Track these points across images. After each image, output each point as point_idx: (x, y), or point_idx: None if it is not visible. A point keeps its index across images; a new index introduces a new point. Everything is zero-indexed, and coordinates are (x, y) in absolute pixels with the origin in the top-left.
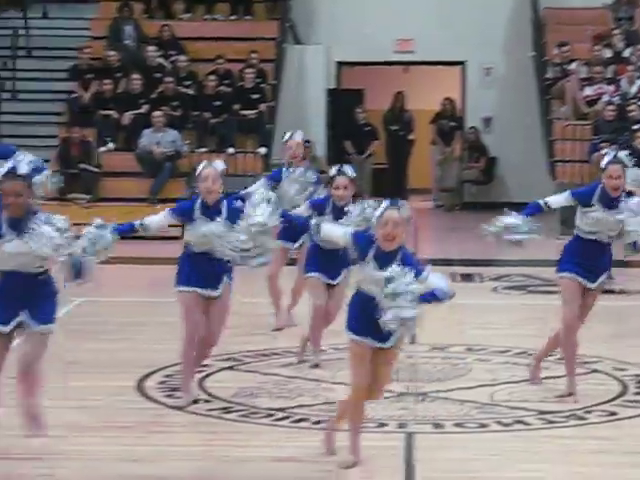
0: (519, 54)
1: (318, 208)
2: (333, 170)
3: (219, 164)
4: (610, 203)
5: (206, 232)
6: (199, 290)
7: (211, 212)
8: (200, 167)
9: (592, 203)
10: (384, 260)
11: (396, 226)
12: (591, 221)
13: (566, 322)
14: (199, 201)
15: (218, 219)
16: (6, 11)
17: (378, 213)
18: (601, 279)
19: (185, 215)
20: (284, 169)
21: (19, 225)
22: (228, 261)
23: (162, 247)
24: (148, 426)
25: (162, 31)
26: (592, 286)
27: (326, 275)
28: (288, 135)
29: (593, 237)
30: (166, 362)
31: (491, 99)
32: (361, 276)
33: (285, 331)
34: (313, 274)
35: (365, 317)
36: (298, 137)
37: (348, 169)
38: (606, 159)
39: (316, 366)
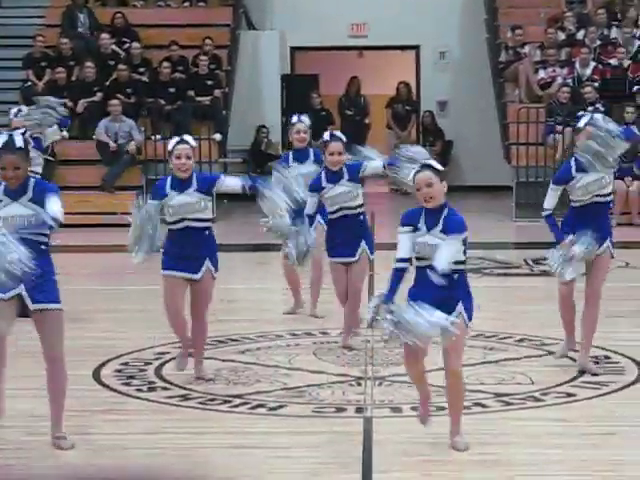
0: (473, 38)
1: (317, 189)
2: (326, 136)
3: (191, 140)
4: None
5: (180, 203)
6: (180, 274)
7: (183, 186)
8: (172, 143)
9: (573, 176)
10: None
11: (430, 186)
12: (581, 191)
13: (560, 289)
14: (170, 178)
15: (189, 190)
16: None
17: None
18: (606, 244)
19: (158, 194)
20: (291, 153)
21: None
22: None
23: (118, 235)
24: (105, 414)
25: (115, 18)
26: (598, 251)
27: (344, 255)
28: (295, 118)
29: (588, 201)
30: (122, 350)
31: (446, 83)
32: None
33: (242, 318)
34: (333, 259)
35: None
36: (307, 121)
37: (340, 134)
38: (583, 121)
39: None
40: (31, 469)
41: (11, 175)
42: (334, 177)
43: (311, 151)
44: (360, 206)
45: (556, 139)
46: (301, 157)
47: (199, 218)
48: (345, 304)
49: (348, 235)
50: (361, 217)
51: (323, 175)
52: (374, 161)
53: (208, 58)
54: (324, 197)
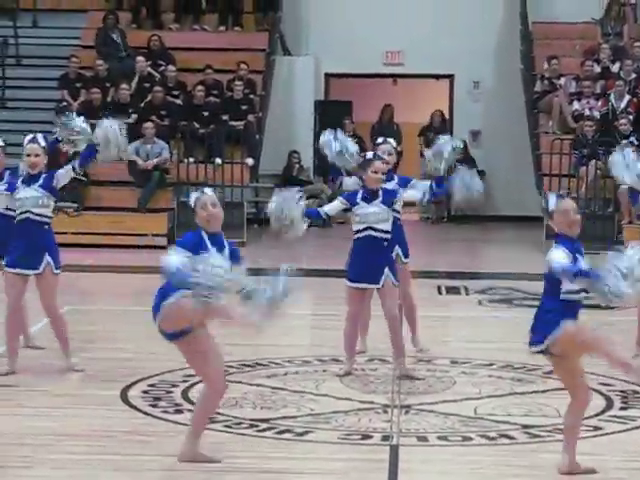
0: (507, 68)
1: (351, 200)
2: (369, 154)
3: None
4: None
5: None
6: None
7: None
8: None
9: None
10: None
11: None
12: None
13: None
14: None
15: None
16: None
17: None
18: None
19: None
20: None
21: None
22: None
23: (148, 256)
24: (131, 435)
25: (151, 41)
26: None
27: (369, 281)
28: (381, 139)
29: None
30: (150, 372)
31: (479, 112)
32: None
33: (270, 343)
34: (352, 284)
35: None
36: (393, 142)
37: (384, 154)
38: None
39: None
40: None
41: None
42: (370, 196)
43: (395, 175)
44: (387, 232)
45: (583, 171)
46: (370, 197)
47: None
48: (357, 328)
49: (370, 259)
50: (385, 243)
51: (360, 193)
52: (412, 191)
53: (243, 83)
54: (354, 214)
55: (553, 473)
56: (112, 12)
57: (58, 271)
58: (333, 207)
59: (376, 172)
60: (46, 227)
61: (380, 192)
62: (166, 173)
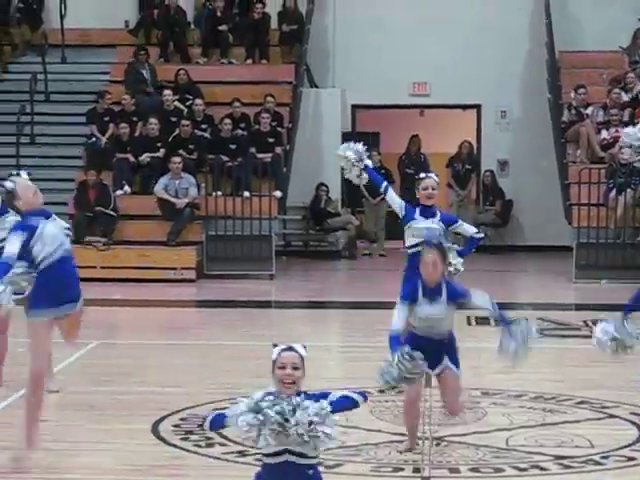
0: (534, 97)
1: (408, 213)
2: (422, 174)
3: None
4: None
5: None
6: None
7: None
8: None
9: None
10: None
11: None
12: None
13: None
14: None
15: None
16: (25, 55)
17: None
18: None
19: None
20: (418, 209)
21: None
22: None
23: (175, 290)
24: (163, 469)
25: (178, 75)
26: None
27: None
28: (424, 174)
29: None
30: (181, 405)
31: (507, 142)
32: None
33: None
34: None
35: None
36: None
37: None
38: None
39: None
40: None
41: None
42: (428, 214)
43: (437, 210)
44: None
45: (617, 200)
46: (427, 213)
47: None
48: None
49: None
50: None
51: (417, 211)
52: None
53: (270, 115)
54: (409, 227)
55: None
56: (142, 47)
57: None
58: (394, 197)
59: (426, 188)
60: None
61: (437, 212)
62: (196, 208)
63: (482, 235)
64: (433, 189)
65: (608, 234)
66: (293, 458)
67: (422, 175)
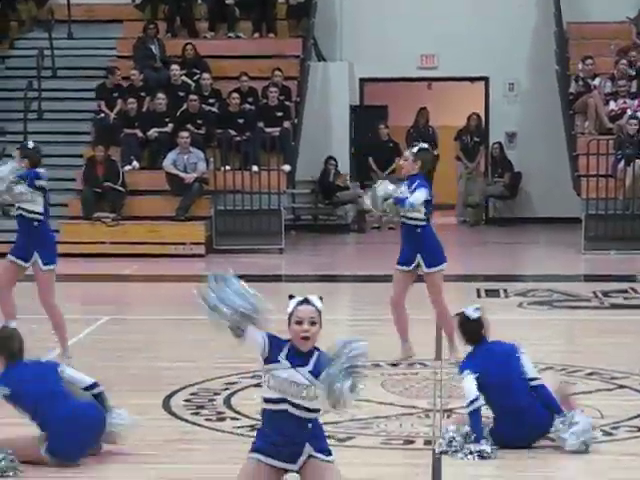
0: (542, 69)
1: None
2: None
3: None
4: None
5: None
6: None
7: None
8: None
9: None
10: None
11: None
12: None
13: None
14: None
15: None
16: (32, 31)
17: (289, 309)
18: None
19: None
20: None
21: None
22: None
23: (186, 265)
24: (174, 444)
25: (186, 50)
26: None
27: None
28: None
29: None
30: (192, 380)
31: (515, 114)
32: None
33: None
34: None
35: None
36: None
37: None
38: None
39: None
40: None
41: None
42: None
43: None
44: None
45: (625, 171)
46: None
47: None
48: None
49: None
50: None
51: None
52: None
53: (277, 89)
54: None
55: (598, 475)
56: (152, 22)
57: (47, 267)
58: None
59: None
60: (35, 224)
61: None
62: (205, 183)
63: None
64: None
65: (617, 205)
66: (292, 410)
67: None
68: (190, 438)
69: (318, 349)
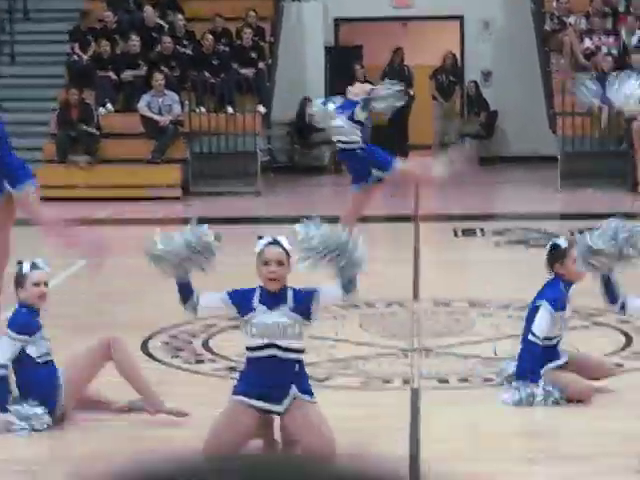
0: (517, 7)
1: None
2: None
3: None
4: None
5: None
6: None
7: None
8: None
9: None
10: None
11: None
12: None
13: None
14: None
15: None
16: None
17: (257, 250)
18: None
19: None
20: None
21: None
22: None
23: (162, 207)
24: (155, 386)
25: None
26: None
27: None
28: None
29: None
30: (169, 323)
31: (490, 53)
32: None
33: None
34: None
35: None
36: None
37: None
38: None
39: None
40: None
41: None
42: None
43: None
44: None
45: (601, 108)
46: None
47: None
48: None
49: None
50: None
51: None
52: None
53: (252, 30)
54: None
55: (571, 411)
56: None
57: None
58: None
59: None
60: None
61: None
62: (180, 126)
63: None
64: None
65: (593, 143)
66: (280, 353)
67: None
68: (168, 380)
69: (290, 287)
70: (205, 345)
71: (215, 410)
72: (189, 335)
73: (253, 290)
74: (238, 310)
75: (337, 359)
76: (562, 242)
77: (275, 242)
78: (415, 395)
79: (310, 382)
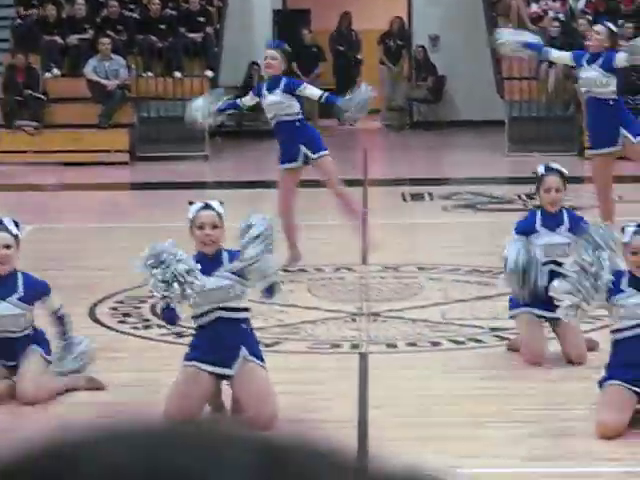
0: None
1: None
2: (541, 169)
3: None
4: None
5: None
6: None
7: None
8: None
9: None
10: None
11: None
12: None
13: None
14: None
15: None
16: None
17: (190, 215)
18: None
19: None
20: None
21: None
22: None
23: (110, 172)
24: (101, 352)
25: None
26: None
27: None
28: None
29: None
30: (117, 288)
31: (438, 17)
32: None
33: None
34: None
35: None
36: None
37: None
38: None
39: None
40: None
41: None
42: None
43: (283, 79)
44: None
45: (548, 73)
46: (272, 86)
47: None
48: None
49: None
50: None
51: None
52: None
53: None
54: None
55: (521, 375)
56: None
57: None
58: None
59: (548, 191)
60: None
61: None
62: (127, 90)
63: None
64: (557, 190)
65: (540, 107)
66: (225, 314)
67: (542, 171)
68: (117, 346)
69: (225, 250)
70: (153, 310)
71: (162, 375)
72: (137, 300)
73: (190, 258)
74: None
75: (286, 324)
76: (540, 169)
77: (207, 206)
78: (363, 359)
79: (260, 348)
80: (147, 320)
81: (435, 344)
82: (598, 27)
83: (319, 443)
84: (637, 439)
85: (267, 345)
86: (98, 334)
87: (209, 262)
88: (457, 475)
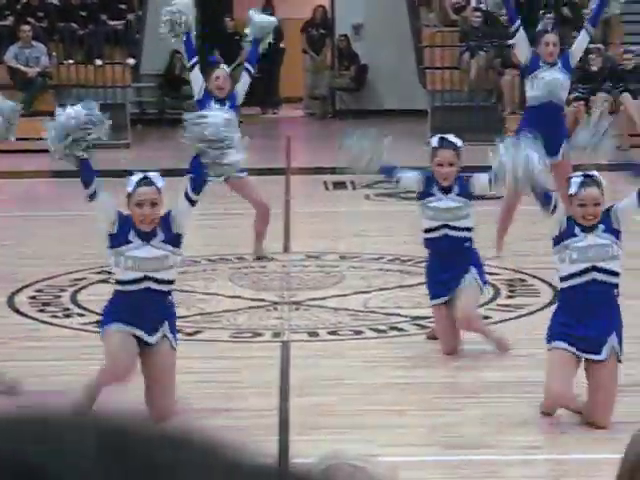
0: None
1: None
2: (434, 141)
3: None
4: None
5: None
6: None
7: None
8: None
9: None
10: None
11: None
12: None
13: None
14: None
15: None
16: None
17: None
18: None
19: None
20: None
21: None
22: None
23: (32, 160)
24: (21, 342)
25: None
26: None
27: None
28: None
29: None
30: (36, 277)
31: (361, 6)
32: None
33: None
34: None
35: None
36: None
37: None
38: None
39: None
40: None
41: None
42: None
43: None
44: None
45: (470, 63)
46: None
47: None
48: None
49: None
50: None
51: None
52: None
53: None
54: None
55: (443, 364)
56: None
57: None
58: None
59: (441, 164)
60: None
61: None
62: (48, 78)
63: None
64: (451, 165)
65: (462, 97)
66: (154, 285)
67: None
68: (37, 335)
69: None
70: (73, 299)
71: (82, 363)
72: (57, 289)
73: (130, 220)
74: (114, 234)
75: (207, 312)
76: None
77: (147, 180)
78: (285, 348)
79: (180, 336)
80: (67, 309)
81: (357, 332)
82: (552, 37)
83: (173, 431)
84: (556, 428)
85: (188, 334)
86: (17, 323)
87: (144, 232)
88: (378, 463)
